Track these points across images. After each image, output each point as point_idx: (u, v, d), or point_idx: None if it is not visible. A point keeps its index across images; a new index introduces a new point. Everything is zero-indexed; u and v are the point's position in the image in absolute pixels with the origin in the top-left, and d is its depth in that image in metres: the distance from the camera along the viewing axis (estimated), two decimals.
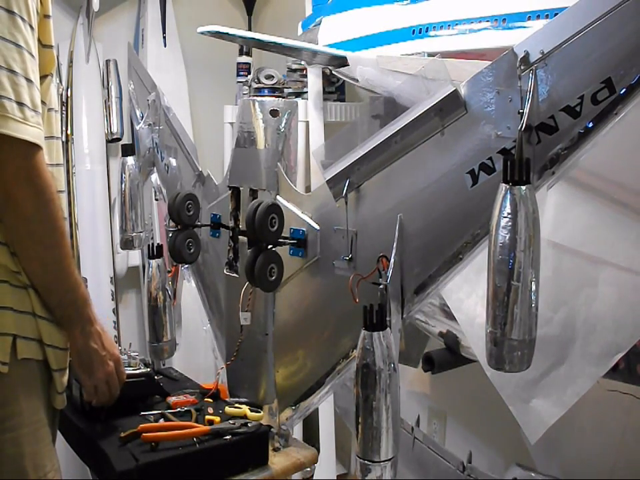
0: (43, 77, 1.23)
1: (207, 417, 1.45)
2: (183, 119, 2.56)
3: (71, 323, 1.25)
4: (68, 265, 1.22)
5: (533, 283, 1.00)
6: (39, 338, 1.21)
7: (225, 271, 1.62)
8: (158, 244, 1.74)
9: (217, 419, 1.44)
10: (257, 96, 2.54)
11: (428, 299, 1.27)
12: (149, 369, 1.58)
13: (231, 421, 1.41)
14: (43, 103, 1.21)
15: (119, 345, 2.87)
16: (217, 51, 2.95)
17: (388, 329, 1.15)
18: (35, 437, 1.20)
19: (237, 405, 1.51)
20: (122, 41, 2.92)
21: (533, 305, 1.01)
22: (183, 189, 1.75)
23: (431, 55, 1.74)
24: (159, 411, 1.47)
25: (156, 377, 1.62)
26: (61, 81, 2.82)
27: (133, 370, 1.51)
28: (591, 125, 1.03)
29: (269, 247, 1.37)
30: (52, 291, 1.22)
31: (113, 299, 2.96)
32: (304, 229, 1.41)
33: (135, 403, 1.50)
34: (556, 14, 1.37)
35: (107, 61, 2.92)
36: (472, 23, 1.69)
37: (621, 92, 0.99)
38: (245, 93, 2.65)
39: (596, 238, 1.41)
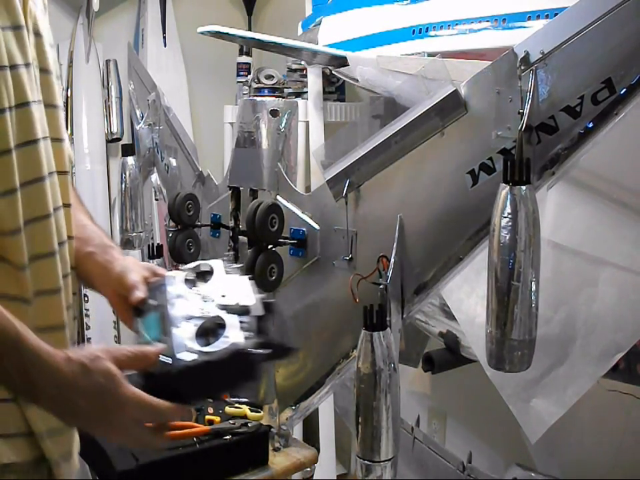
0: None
1: (207, 417, 1.45)
2: (183, 119, 2.56)
3: (32, 402, 0.81)
4: None
5: (533, 282, 1.00)
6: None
7: None
8: (158, 244, 1.74)
9: (217, 418, 1.44)
10: (256, 96, 2.54)
11: (428, 299, 1.27)
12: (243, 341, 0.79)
13: (231, 421, 1.41)
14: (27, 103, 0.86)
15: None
16: (217, 50, 2.95)
17: (388, 329, 1.15)
18: None
19: (237, 405, 1.51)
20: (122, 41, 2.92)
21: (533, 305, 1.01)
22: (183, 189, 1.75)
23: (431, 55, 1.74)
24: None
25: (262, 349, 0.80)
26: (61, 81, 2.82)
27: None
28: (591, 125, 1.03)
29: (269, 246, 1.37)
30: None
31: None
32: (304, 229, 1.41)
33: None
34: (556, 14, 1.37)
35: (107, 61, 2.92)
36: (472, 23, 1.69)
37: (621, 92, 0.99)
38: (245, 92, 2.65)
39: (596, 238, 1.41)
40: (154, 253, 1.72)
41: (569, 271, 1.42)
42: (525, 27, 1.54)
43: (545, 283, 1.05)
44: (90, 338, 2.79)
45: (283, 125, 1.50)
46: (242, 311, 0.81)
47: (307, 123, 2.47)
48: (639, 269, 1.37)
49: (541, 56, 1.04)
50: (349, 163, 1.29)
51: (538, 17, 1.52)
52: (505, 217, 0.99)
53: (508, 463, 1.93)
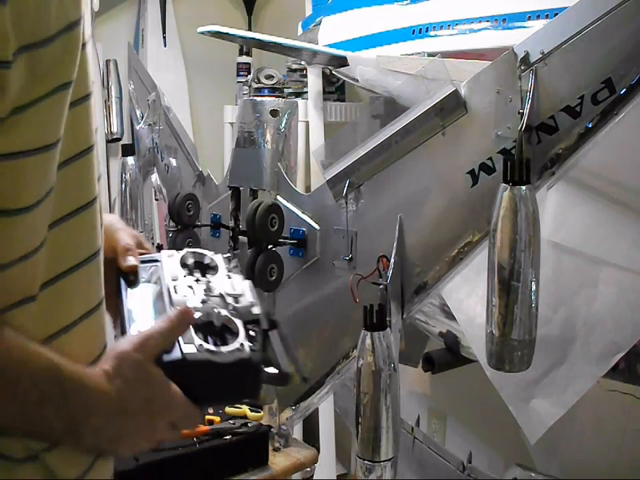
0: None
1: (207, 416, 1.45)
2: (183, 119, 2.56)
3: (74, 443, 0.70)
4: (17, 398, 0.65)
5: (533, 282, 1.00)
6: None
7: None
8: (158, 244, 1.74)
9: (217, 419, 1.43)
10: (256, 96, 2.54)
11: (428, 299, 1.27)
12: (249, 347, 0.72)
13: (231, 421, 1.41)
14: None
15: None
16: (217, 51, 2.95)
17: (388, 329, 1.15)
18: None
19: (237, 405, 1.51)
20: (122, 41, 2.91)
21: (533, 305, 1.01)
22: (183, 189, 1.75)
23: (431, 55, 1.74)
24: None
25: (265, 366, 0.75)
26: None
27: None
28: (590, 125, 1.03)
29: (269, 246, 1.37)
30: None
31: None
32: (304, 229, 1.41)
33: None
34: (556, 14, 1.37)
35: (107, 61, 2.91)
36: (472, 23, 1.70)
37: (621, 92, 0.99)
38: (245, 92, 2.65)
39: (596, 238, 1.41)
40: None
41: (568, 271, 1.42)
42: (525, 27, 1.54)
43: (545, 282, 1.05)
44: None
45: (283, 125, 1.50)
46: (251, 319, 0.73)
47: (307, 122, 2.46)
48: (639, 269, 1.37)
49: (541, 56, 1.04)
50: (349, 163, 1.29)
51: (538, 17, 1.52)
52: (505, 217, 0.99)
53: (508, 462, 1.93)
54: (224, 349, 0.68)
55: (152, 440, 0.72)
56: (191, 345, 0.67)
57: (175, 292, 0.74)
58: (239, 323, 0.71)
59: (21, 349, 0.65)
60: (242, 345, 0.69)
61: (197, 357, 0.66)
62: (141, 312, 0.73)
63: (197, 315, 0.71)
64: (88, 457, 0.73)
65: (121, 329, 0.73)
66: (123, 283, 0.78)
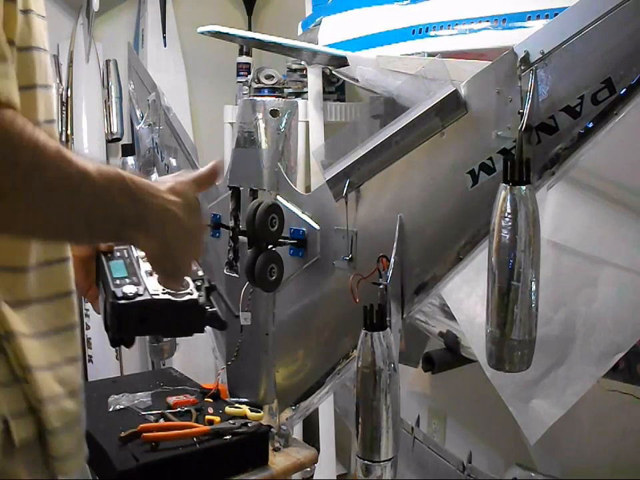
0: (29, 87, 0.85)
1: (207, 417, 1.45)
2: (183, 119, 2.56)
3: (125, 235, 0.84)
4: (67, 178, 0.75)
5: (533, 282, 1.00)
6: (30, 405, 0.85)
7: (224, 271, 1.62)
8: None
9: (217, 418, 1.44)
10: (256, 96, 2.54)
11: (428, 299, 1.27)
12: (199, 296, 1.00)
13: (231, 421, 1.41)
14: (50, 121, 0.89)
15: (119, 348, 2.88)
16: (217, 51, 2.95)
17: (388, 329, 1.15)
18: None
19: (237, 405, 1.51)
20: (122, 41, 2.92)
21: (533, 305, 1.01)
22: None
23: (431, 55, 1.74)
24: (159, 411, 1.47)
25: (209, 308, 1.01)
26: (61, 81, 2.82)
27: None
28: (591, 125, 1.03)
29: (269, 246, 1.37)
30: (66, 225, 0.79)
31: None
32: (304, 229, 1.41)
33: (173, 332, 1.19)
34: (556, 14, 1.37)
35: (107, 61, 2.92)
36: (472, 23, 1.69)
37: (621, 92, 0.99)
38: (245, 92, 2.65)
39: (596, 238, 1.41)
40: None
41: (568, 271, 1.42)
42: (525, 27, 1.54)
43: (545, 282, 1.05)
44: (90, 338, 2.80)
45: (283, 125, 1.50)
46: (196, 277, 0.99)
47: (307, 122, 2.47)
48: (639, 269, 1.37)
49: (541, 56, 1.04)
50: (349, 163, 1.29)
51: (538, 17, 1.52)
52: (505, 217, 0.99)
53: (508, 462, 1.93)
54: (179, 294, 0.95)
55: (190, 257, 0.92)
56: (156, 291, 0.94)
57: (144, 262, 0.97)
58: (188, 279, 0.97)
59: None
60: (191, 292, 0.96)
61: (160, 298, 0.93)
62: (119, 273, 0.96)
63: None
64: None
65: (104, 289, 0.95)
66: (103, 259, 0.99)
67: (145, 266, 0.97)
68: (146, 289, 0.94)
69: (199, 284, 0.99)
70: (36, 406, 0.86)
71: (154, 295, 0.94)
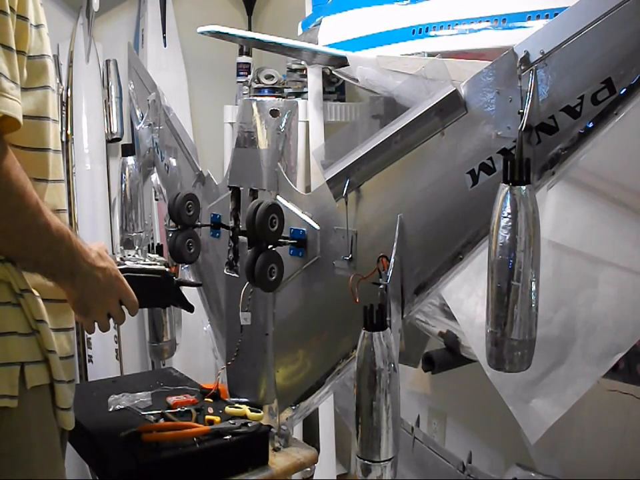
0: (37, 88, 1.07)
1: (207, 416, 1.45)
2: (183, 119, 2.56)
3: (60, 280, 1.10)
4: (36, 228, 1.02)
5: (533, 282, 1.00)
6: (44, 357, 1.08)
7: (225, 271, 1.62)
8: (158, 244, 1.74)
9: (217, 418, 1.44)
10: (256, 96, 2.54)
11: (428, 299, 1.27)
12: (166, 269, 1.39)
13: (231, 421, 1.41)
14: (45, 117, 1.08)
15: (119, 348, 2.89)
16: (217, 50, 2.95)
17: (388, 328, 1.15)
18: (49, 471, 1.09)
19: (237, 405, 1.51)
20: (122, 41, 2.92)
21: (533, 305, 1.01)
22: (183, 189, 1.75)
23: (431, 55, 1.74)
24: (159, 411, 1.47)
25: (175, 279, 1.41)
26: (61, 81, 2.82)
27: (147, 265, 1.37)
28: (591, 125, 1.03)
29: (269, 246, 1.37)
30: (26, 259, 1.05)
31: None
32: (304, 229, 1.41)
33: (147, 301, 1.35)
34: (556, 14, 1.37)
35: (107, 61, 2.92)
36: (472, 23, 1.69)
37: (621, 92, 0.99)
38: (245, 92, 2.65)
39: (596, 238, 1.41)
40: (154, 253, 1.72)
41: (568, 271, 1.42)
42: (525, 27, 1.54)
43: (544, 282, 1.05)
44: (90, 338, 2.80)
45: (283, 125, 1.50)
46: (164, 263, 1.39)
47: (307, 122, 2.47)
48: (639, 269, 1.37)
49: (541, 56, 1.04)
50: (349, 163, 1.29)
51: (538, 17, 1.52)
52: (505, 217, 0.99)
53: (508, 462, 1.93)
54: (151, 268, 1.34)
55: (107, 304, 1.18)
56: (131, 263, 1.31)
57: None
58: (159, 264, 1.37)
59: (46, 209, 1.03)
60: (162, 267, 1.36)
61: (135, 268, 1.30)
62: None
63: (137, 262, 1.36)
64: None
65: None
66: None
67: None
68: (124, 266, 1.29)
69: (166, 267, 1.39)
70: (46, 356, 1.07)
71: (129, 266, 1.29)
